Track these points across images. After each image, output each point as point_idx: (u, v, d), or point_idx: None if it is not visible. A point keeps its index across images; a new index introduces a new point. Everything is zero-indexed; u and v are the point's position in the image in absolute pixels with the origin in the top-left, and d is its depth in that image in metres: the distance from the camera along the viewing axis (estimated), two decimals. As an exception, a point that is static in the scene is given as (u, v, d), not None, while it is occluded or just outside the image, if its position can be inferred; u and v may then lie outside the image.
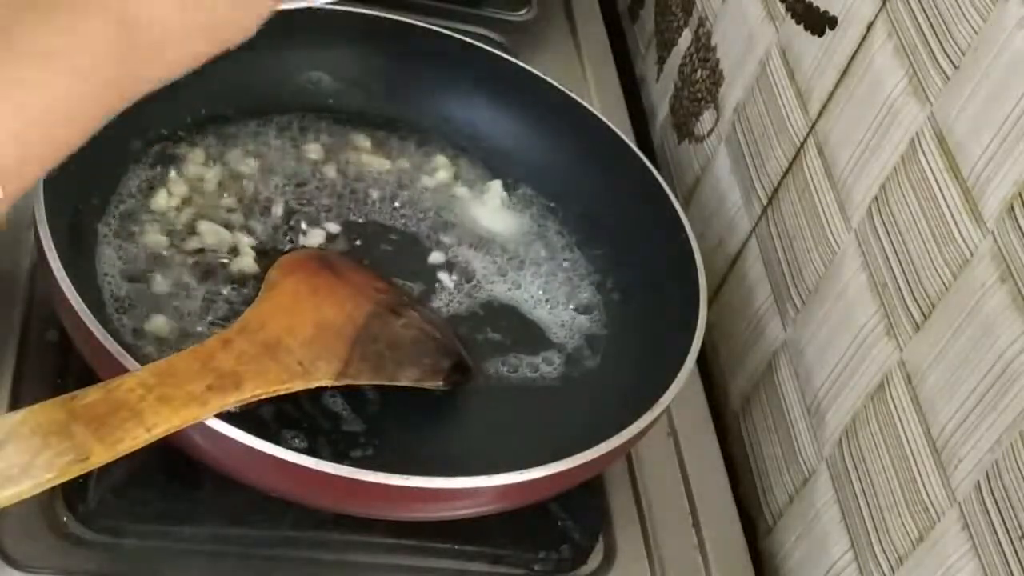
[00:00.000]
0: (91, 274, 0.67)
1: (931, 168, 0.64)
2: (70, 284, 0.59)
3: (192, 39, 0.51)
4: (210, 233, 0.72)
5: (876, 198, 0.69)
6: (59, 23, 0.44)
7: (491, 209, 0.82)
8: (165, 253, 0.70)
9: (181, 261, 0.70)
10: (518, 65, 0.84)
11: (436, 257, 0.78)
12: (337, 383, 0.63)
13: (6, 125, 0.42)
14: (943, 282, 0.63)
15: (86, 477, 0.62)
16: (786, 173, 0.80)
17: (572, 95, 0.83)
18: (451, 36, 0.84)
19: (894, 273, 0.67)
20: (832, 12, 0.76)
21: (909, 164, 0.66)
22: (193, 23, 0.51)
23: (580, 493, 0.68)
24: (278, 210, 0.76)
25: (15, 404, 0.64)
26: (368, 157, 0.82)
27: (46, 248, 0.59)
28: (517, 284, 0.78)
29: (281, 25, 0.80)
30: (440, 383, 0.68)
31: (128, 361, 0.56)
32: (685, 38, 1.00)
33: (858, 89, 0.72)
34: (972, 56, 0.62)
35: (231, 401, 0.56)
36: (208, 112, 0.78)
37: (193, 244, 0.71)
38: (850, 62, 0.74)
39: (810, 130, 0.78)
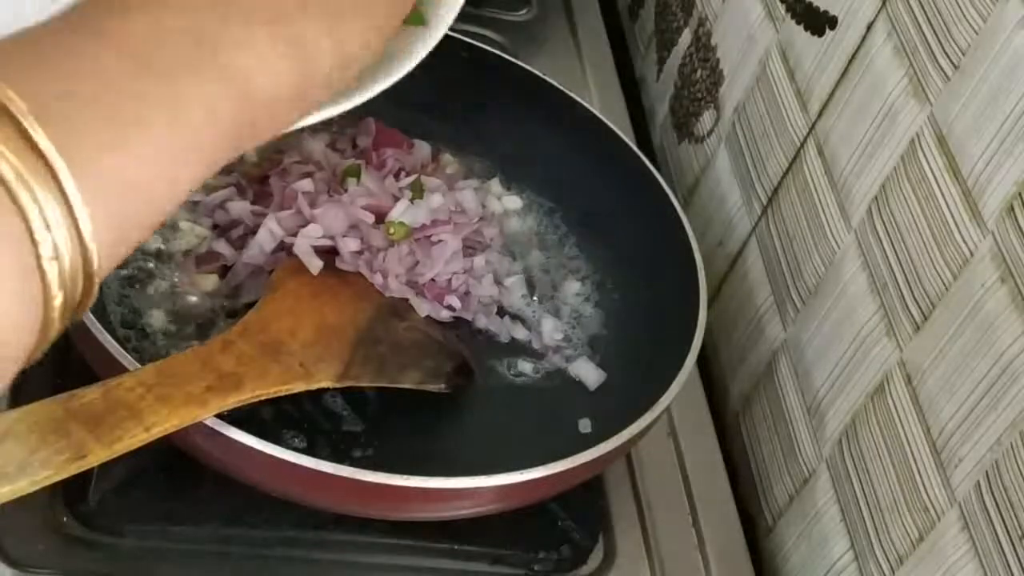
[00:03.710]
0: (91, 274, 0.67)
1: (931, 168, 0.64)
2: (70, 284, 0.58)
3: (299, 105, 0.44)
4: (188, 232, 0.71)
5: (876, 198, 0.69)
6: (176, 87, 0.37)
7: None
8: (164, 252, 0.70)
9: (180, 260, 0.70)
10: (518, 65, 0.84)
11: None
12: (338, 385, 0.63)
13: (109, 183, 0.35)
14: (943, 282, 0.63)
15: (86, 477, 0.62)
16: (786, 173, 0.80)
17: (572, 95, 0.83)
18: (451, 36, 0.83)
19: (894, 273, 0.67)
20: (832, 12, 0.76)
21: (909, 164, 0.66)
22: (305, 90, 0.43)
23: (580, 493, 0.68)
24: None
25: (15, 403, 0.64)
26: (368, 157, 0.82)
27: (46, 248, 0.59)
28: (516, 284, 0.77)
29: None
30: (442, 386, 0.68)
31: (127, 360, 0.56)
32: (685, 38, 1.00)
33: (858, 89, 0.72)
34: (972, 56, 0.62)
35: (231, 402, 0.56)
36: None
37: (188, 242, 0.71)
38: (850, 62, 0.73)
39: (810, 130, 0.77)
